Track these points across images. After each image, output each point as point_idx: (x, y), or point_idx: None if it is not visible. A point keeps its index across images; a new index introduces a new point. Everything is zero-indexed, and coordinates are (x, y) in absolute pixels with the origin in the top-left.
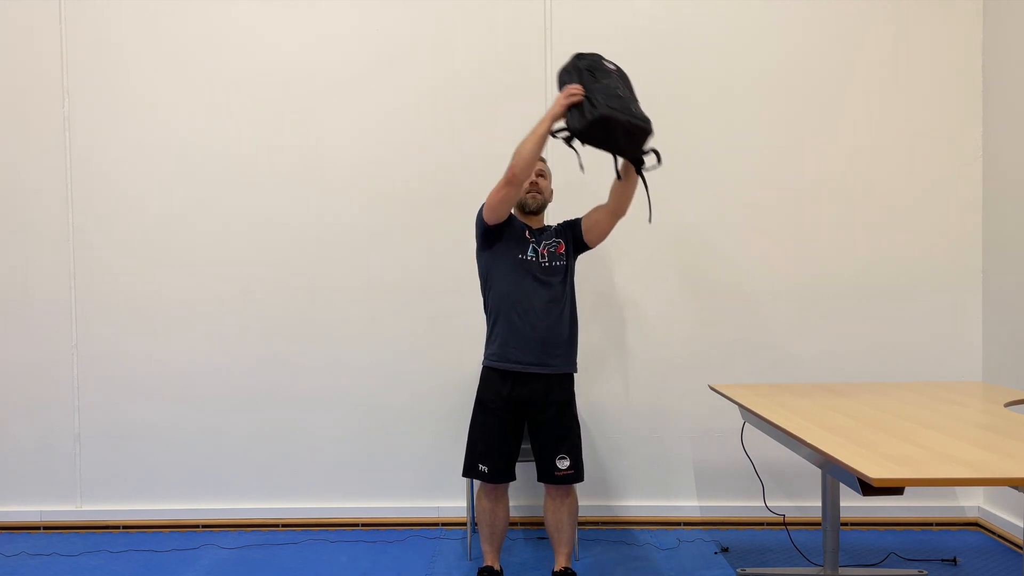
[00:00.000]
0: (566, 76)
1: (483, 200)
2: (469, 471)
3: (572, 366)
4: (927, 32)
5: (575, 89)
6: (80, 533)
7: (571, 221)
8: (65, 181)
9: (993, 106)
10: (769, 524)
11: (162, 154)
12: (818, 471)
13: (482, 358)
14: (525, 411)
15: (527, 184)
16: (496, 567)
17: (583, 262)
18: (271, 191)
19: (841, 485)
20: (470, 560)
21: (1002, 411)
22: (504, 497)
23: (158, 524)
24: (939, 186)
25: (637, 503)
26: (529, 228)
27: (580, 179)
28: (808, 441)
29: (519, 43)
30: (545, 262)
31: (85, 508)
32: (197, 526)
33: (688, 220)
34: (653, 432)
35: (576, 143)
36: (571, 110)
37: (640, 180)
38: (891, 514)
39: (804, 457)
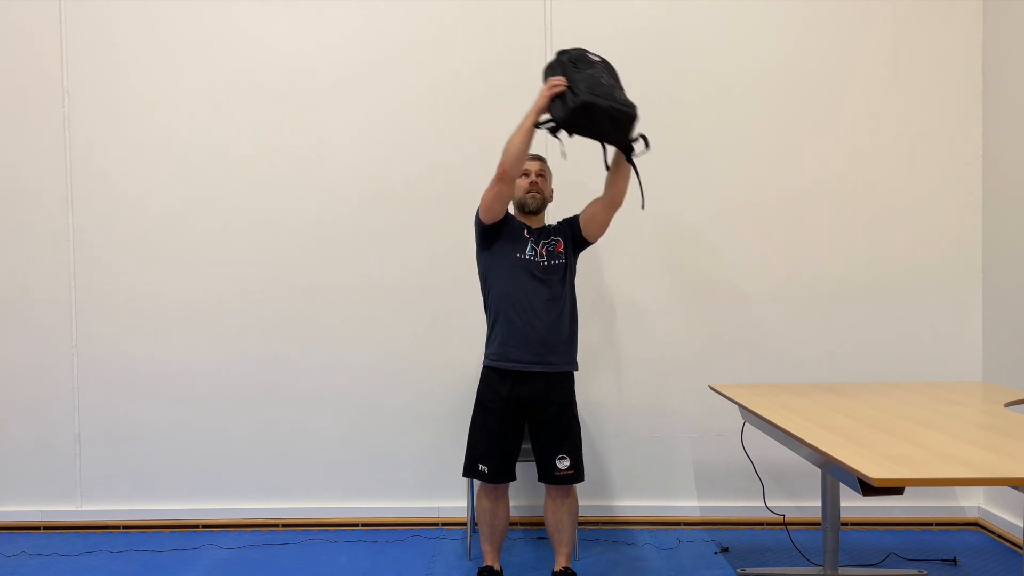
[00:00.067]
0: (550, 71)
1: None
2: (469, 471)
3: (572, 364)
4: (927, 32)
5: (557, 80)
6: (80, 533)
7: (570, 218)
8: (65, 181)
9: (993, 106)
10: (769, 524)
11: (162, 154)
12: (818, 471)
13: (482, 358)
14: (525, 411)
15: (526, 184)
16: (496, 567)
17: (583, 261)
18: (271, 191)
19: (841, 485)
20: (470, 560)
21: (1002, 411)
22: (504, 497)
23: (158, 524)
24: (939, 186)
25: (637, 503)
26: (528, 227)
27: (580, 178)
28: (808, 441)
29: (519, 43)
30: (544, 261)
31: (85, 508)
32: (197, 526)
33: (689, 220)
34: (653, 432)
35: (563, 134)
36: (555, 101)
37: (632, 168)
38: (891, 514)
39: (804, 457)
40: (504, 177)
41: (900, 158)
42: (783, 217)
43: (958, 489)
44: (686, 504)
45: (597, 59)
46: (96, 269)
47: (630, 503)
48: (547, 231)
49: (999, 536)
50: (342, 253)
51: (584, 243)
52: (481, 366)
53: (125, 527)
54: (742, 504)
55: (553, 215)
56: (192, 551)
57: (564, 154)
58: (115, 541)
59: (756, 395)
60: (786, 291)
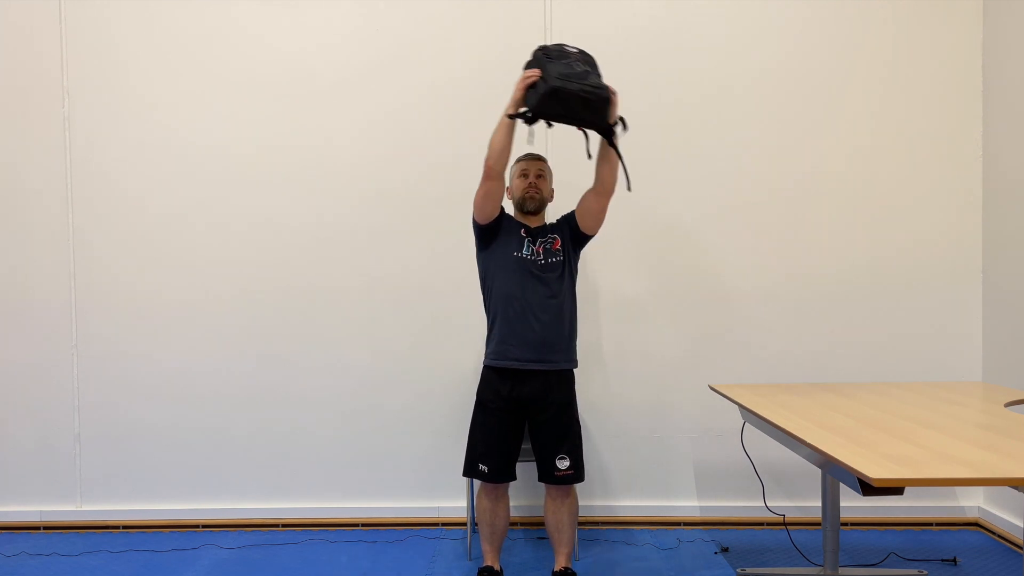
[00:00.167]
0: (527, 67)
1: None
2: (469, 471)
3: (572, 362)
4: (927, 32)
5: (530, 72)
6: (80, 533)
7: (567, 214)
8: (65, 181)
9: (993, 106)
10: (769, 524)
11: (162, 154)
12: (818, 471)
13: (482, 358)
14: (525, 411)
15: (525, 185)
16: (496, 567)
17: (583, 261)
18: (271, 191)
19: (841, 485)
20: (470, 560)
21: (1002, 411)
22: (504, 497)
23: (158, 524)
24: (939, 186)
25: (637, 503)
26: (526, 227)
27: (580, 178)
28: (808, 441)
29: (519, 43)
30: (541, 259)
31: (85, 508)
32: (197, 526)
33: (689, 219)
34: (653, 432)
35: (543, 123)
36: (529, 91)
37: (615, 152)
38: (891, 514)
39: (804, 457)
40: (490, 173)
41: (900, 158)
42: (784, 217)
43: (958, 489)
44: (686, 504)
45: (574, 50)
46: (96, 269)
47: (630, 503)
48: (544, 229)
49: (999, 536)
50: (342, 253)
51: (583, 237)
52: (481, 366)
53: (125, 527)
54: (742, 504)
55: (554, 215)
56: (192, 551)
57: (531, 140)
58: (115, 541)
59: (756, 395)
60: (787, 291)
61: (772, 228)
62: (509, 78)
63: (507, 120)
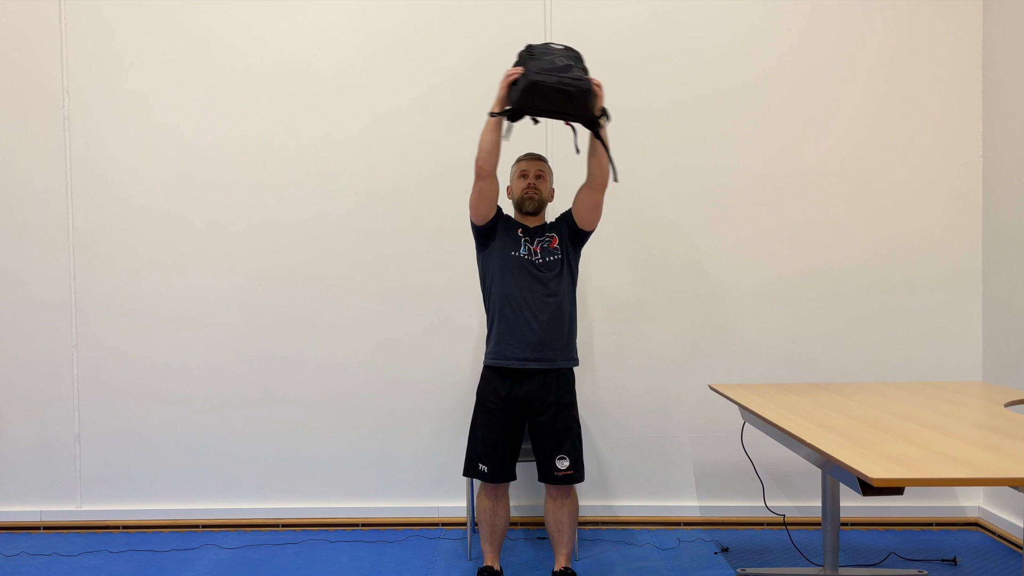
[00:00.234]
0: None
1: None
2: (469, 470)
3: (572, 360)
4: (927, 32)
5: (512, 70)
6: (80, 533)
7: (564, 212)
8: (65, 181)
9: (993, 106)
10: (769, 524)
11: (162, 154)
12: (818, 471)
13: (482, 358)
14: (525, 411)
15: (524, 185)
16: (496, 567)
17: (583, 261)
18: (271, 191)
19: (841, 485)
20: (470, 560)
21: (1002, 411)
22: (504, 497)
23: (158, 524)
24: (939, 185)
25: (637, 503)
26: (524, 227)
27: (581, 178)
28: (808, 441)
29: (519, 43)
30: (538, 258)
31: (85, 508)
32: (197, 526)
33: (689, 218)
34: (653, 432)
35: (528, 119)
36: (511, 89)
37: (601, 143)
38: (891, 514)
39: (804, 457)
40: (480, 173)
41: (900, 157)
42: (784, 216)
43: (958, 489)
44: (686, 504)
45: (559, 47)
46: (96, 269)
47: (630, 503)
48: (542, 228)
49: (999, 536)
50: (342, 253)
51: (582, 233)
52: (481, 366)
53: (125, 527)
54: (742, 504)
55: (554, 215)
56: (192, 551)
57: (507, 136)
58: (115, 541)
59: (756, 395)
60: (787, 290)
61: (773, 227)
62: None
63: (494, 119)
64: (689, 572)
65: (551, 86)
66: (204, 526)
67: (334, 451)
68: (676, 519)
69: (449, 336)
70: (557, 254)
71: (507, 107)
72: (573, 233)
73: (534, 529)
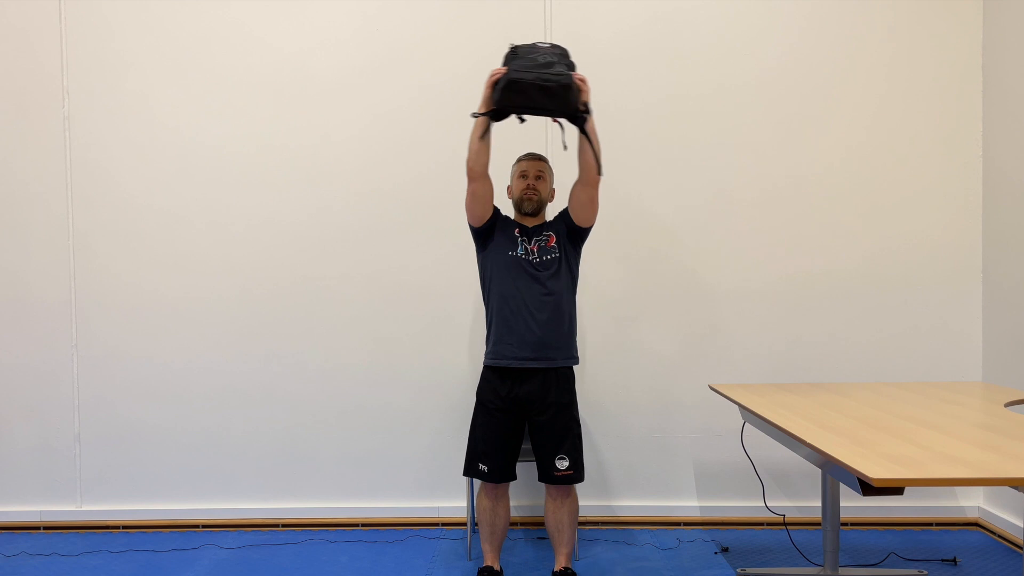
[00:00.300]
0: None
1: None
2: (469, 470)
3: (572, 359)
4: (927, 32)
5: (496, 70)
6: (80, 533)
7: (562, 210)
8: (65, 181)
9: (993, 106)
10: (769, 524)
11: (162, 154)
12: (818, 471)
13: (482, 358)
14: (525, 411)
15: (523, 186)
16: (496, 567)
17: (584, 260)
18: (271, 191)
19: (841, 485)
20: (470, 560)
21: (1002, 411)
22: (504, 497)
23: (158, 524)
24: (939, 185)
25: (637, 503)
26: (522, 226)
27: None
28: (808, 441)
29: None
30: (536, 258)
31: (85, 508)
32: (197, 526)
33: (689, 217)
34: (653, 432)
35: (514, 118)
36: (494, 88)
37: (586, 138)
38: (891, 514)
39: (804, 457)
40: (471, 175)
41: (900, 157)
42: (784, 215)
43: (958, 489)
44: (686, 504)
45: (545, 45)
46: (96, 269)
47: (630, 503)
48: (540, 228)
49: (999, 536)
50: (342, 253)
51: (579, 230)
52: (481, 366)
53: (125, 527)
54: (742, 504)
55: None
56: (192, 551)
57: (484, 136)
58: (115, 541)
59: (756, 395)
60: (786, 290)
61: (773, 227)
62: None
63: (480, 120)
64: (689, 572)
65: (530, 83)
66: (204, 526)
67: (334, 451)
68: (676, 519)
69: (449, 336)
70: (554, 253)
71: (491, 107)
72: (571, 231)
73: (534, 529)
